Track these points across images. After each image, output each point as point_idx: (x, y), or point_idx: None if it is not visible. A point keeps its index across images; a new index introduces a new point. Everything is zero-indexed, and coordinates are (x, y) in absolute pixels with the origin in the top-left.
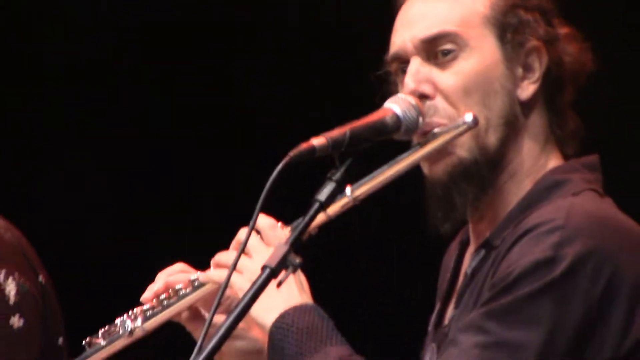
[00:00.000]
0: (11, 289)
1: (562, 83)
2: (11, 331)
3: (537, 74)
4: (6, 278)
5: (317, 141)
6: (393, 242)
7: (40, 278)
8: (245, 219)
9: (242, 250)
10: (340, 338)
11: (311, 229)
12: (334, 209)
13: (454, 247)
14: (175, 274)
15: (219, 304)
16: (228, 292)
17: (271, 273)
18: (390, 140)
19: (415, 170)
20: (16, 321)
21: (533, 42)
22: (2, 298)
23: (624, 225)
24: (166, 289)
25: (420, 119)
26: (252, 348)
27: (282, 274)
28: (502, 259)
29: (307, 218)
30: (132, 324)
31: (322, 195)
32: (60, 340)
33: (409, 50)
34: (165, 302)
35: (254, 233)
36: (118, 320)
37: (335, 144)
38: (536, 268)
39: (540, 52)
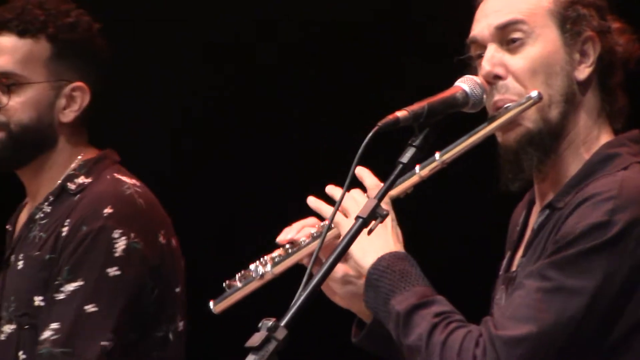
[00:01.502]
0: (120, 245)
1: (613, 67)
2: (104, 277)
3: (591, 59)
4: (120, 237)
5: (401, 113)
6: (472, 202)
7: (161, 239)
8: (342, 183)
9: (339, 206)
10: (426, 281)
11: (407, 188)
12: (425, 170)
13: (521, 206)
14: (307, 224)
15: (321, 246)
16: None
17: (363, 222)
18: (460, 113)
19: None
20: (113, 271)
21: (588, 32)
22: (110, 251)
23: None
24: (294, 237)
25: (485, 96)
26: (362, 293)
27: (372, 223)
28: (565, 220)
29: (392, 177)
30: (263, 268)
31: (404, 158)
32: (178, 289)
33: (486, 37)
34: (290, 250)
35: (347, 193)
36: (252, 266)
37: (415, 116)
38: (593, 229)
39: (594, 41)
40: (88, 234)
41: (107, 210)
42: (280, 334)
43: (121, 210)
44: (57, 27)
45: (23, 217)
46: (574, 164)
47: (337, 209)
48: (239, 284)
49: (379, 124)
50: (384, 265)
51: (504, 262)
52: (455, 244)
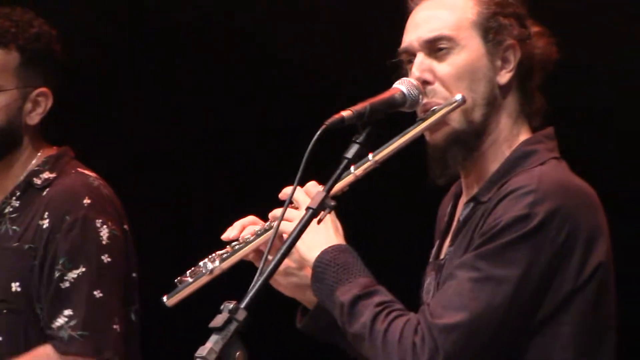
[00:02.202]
0: (104, 233)
1: (531, 71)
2: (102, 265)
3: (512, 64)
4: (102, 225)
5: (346, 113)
6: (402, 196)
7: (125, 226)
8: (291, 181)
9: (289, 202)
10: (368, 272)
11: (343, 187)
12: (360, 170)
13: (448, 198)
14: (247, 222)
15: (271, 245)
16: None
17: (313, 213)
18: (398, 113)
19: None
20: (106, 258)
21: (509, 41)
22: (98, 240)
23: (579, 188)
24: (238, 234)
25: (421, 96)
26: (303, 283)
27: (322, 214)
28: (489, 214)
29: (338, 171)
30: (212, 264)
31: (349, 153)
32: (134, 274)
33: (415, 47)
34: (236, 247)
35: (298, 188)
36: (201, 263)
37: (359, 115)
38: (515, 222)
39: (514, 48)
40: (74, 222)
41: (87, 201)
42: (241, 315)
43: (97, 201)
44: (25, 38)
45: None
46: (496, 160)
47: (286, 206)
48: (189, 279)
49: (326, 122)
50: (327, 258)
51: (434, 250)
52: (389, 235)
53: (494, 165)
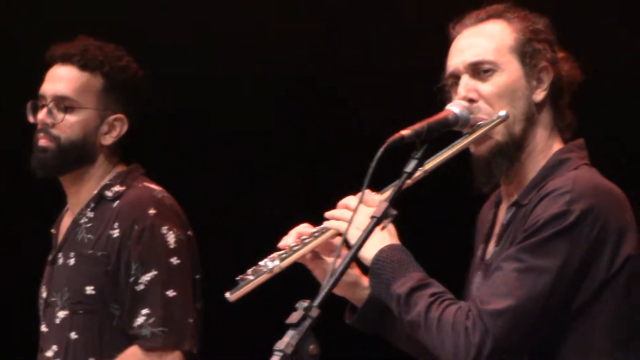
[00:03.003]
0: (171, 238)
1: (562, 90)
2: (172, 266)
3: (546, 84)
4: (168, 231)
5: (406, 132)
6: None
7: (188, 232)
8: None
9: (357, 209)
10: (420, 268)
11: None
12: (413, 178)
13: (488, 206)
14: (303, 229)
15: (339, 248)
16: (337, 240)
17: (378, 221)
18: (451, 131)
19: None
20: (174, 260)
21: (543, 63)
22: (166, 245)
23: (610, 189)
24: (295, 239)
25: (471, 116)
26: (353, 282)
27: (384, 222)
28: (530, 213)
29: (400, 183)
30: (272, 263)
31: (409, 168)
32: (198, 276)
33: (461, 70)
34: (294, 248)
35: (354, 197)
36: (262, 262)
37: (417, 134)
38: (554, 218)
39: (548, 70)
40: (142, 230)
41: (152, 211)
42: (314, 312)
43: (162, 211)
44: (111, 67)
45: (66, 221)
46: (534, 168)
47: (354, 215)
48: (251, 277)
49: (388, 141)
50: (384, 256)
51: (479, 252)
52: (434, 239)
53: (532, 173)
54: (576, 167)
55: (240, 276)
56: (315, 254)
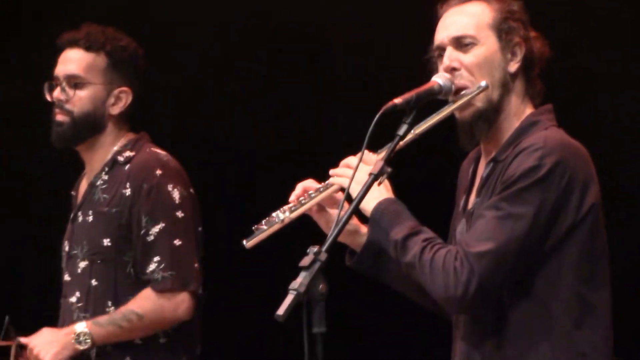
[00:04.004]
0: (175, 195)
1: (532, 63)
2: (177, 219)
3: (519, 57)
4: (173, 189)
5: (397, 100)
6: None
7: (191, 190)
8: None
9: (357, 167)
10: (413, 217)
11: (394, 152)
12: (405, 140)
13: (467, 163)
14: (308, 184)
15: (343, 201)
16: (339, 194)
17: (375, 177)
18: (435, 99)
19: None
20: (179, 214)
21: (517, 39)
22: (172, 200)
23: (575, 146)
24: (303, 193)
25: (453, 86)
26: (353, 230)
27: (381, 178)
28: (508, 167)
29: (392, 144)
30: (282, 215)
31: (400, 131)
32: (200, 228)
33: (446, 43)
34: (302, 201)
35: (354, 157)
36: (274, 213)
37: (407, 102)
38: (528, 171)
39: (521, 45)
40: (150, 188)
41: (158, 172)
42: (323, 256)
43: (166, 171)
44: (112, 46)
45: (84, 184)
46: (509, 129)
47: (355, 171)
48: (264, 227)
49: (383, 108)
50: (382, 207)
51: (461, 202)
52: (422, 192)
53: (507, 133)
54: (546, 128)
55: (255, 226)
56: (320, 207)
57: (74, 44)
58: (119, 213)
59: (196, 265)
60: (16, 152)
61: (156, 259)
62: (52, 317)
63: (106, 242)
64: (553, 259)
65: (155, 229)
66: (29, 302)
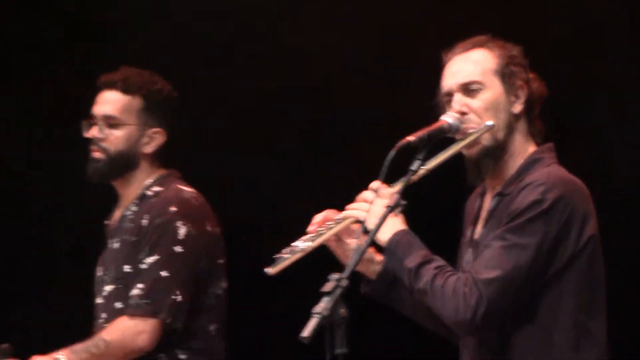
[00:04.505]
0: (182, 232)
1: (534, 103)
2: (173, 253)
3: (522, 99)
4: (182, 226)
5: (411, 138)
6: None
7: (207, 228)
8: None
9: (372, 203)
10: (425, 247)
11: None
12: (416, 176)
13: (473, 197)
14: (327, 215)
15: (361, 232)
16: (355, 226)
17: (390, 209)
18: (445, 138)
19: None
20: (178, 249)
21: (519, 82)
22: (175, 236)
23: (575, 182)
24: (322, 223)
25: (462, 125)
26: (368, 259)
27: (396, 210)
28: (513, 201)
29: (406, 178)
30: (304, 244)
31: (414, 166)
32: (221, 260)
33: (454, 89)
34: (321, 231)
35: (369, 191)
36: (295, 243)
37: (420, 139)
38: (532, 205)
39: (523, 88)
40: (160, 224)
41: (173, 209)
42: (344, 282)
43: (182, 209)
44: (148, 90)
45: (117, 215)
46: (513, 166)
47: (371, 206)
48: (286, 255)
49: (398, 144)
50: (397, 238)
51: (468, 233)
52: (430, 225)
53: (512, 169)
54: (548, 165)
55: (278, 255)
56: (338, 237)
57: (111, 86)
58: (137, 242)
59: (177, 298)
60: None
61: (139, 285)
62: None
63: (127, 268)
64: (554, 287)
65: (150, 260)
66: (29, 302)
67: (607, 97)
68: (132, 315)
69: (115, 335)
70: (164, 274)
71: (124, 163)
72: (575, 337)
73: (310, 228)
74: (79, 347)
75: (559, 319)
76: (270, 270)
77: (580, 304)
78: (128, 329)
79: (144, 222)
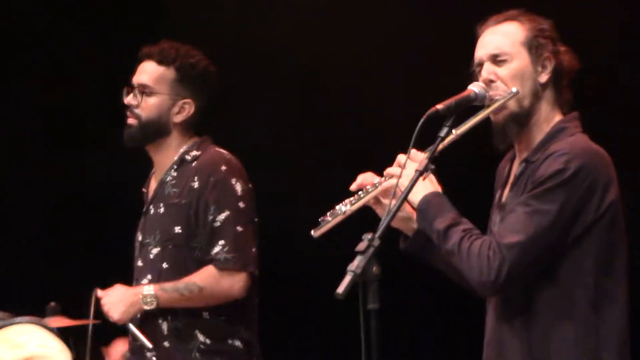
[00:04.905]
0: (238, 188)
1: (561, 74)
2: (240, 209)
3: (549, 69)
4: (236, 183)
5: (440, 106)
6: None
7: (250, 185)
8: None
9: (404, 165)
10: (455, 209)
11: (439, 150)
12: (448, 140)
13: (504, 162)
14: (368, 177)
15: (394, 194)
16: (392, 187)
17: (420, 173)
18: (472, 106)
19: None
20: (241, 204)
21: (546, 54)
22: (235, 192)
23: (597, 151)
24: (361, 187)
25: (487, 94)
26: (407, 217)
27: (425, 174)
28: (538, 169)
29: (435, 144)
30: (344, 207)
31: (442, 133)
32: (256, 219)
33: (484, 59)
34: (361, 195)
35: (405, 156)
36: (337, 207)
37: (448, 108)
38: (555, 173)
39: (550, 59)
40: (217, 182)
41: (223, 167)
42: (376, 242)
43: (230, 167)
44: (182, 62)
45: (153, 182)
46: (539, 133)
47: (402, 169)
48: (329, 218)
49: (427, 112)
50: (427, 200)
51: (497, 196)
52: (464, 187)
53: (538, 136)
54: (572, 134)
55: (322, 218)
56: (377, 199)
57: (149, 57)
58: (188, 204)
59: (254, 250)
60: None
61: (221, 242)
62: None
63: (177, 229)
64: (576, 250)
65: (222, 217)
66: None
67: None
68: (223, 268)
69: (209, 283)
70: (239, 229)
71: (155, 129)
72: (595, 298)
73: (352, 187)
74: (168, 285)
75: (580, 280)
76: (314, 233)
77: (600, 265)
78: (223, 279)
79: (194, 184)
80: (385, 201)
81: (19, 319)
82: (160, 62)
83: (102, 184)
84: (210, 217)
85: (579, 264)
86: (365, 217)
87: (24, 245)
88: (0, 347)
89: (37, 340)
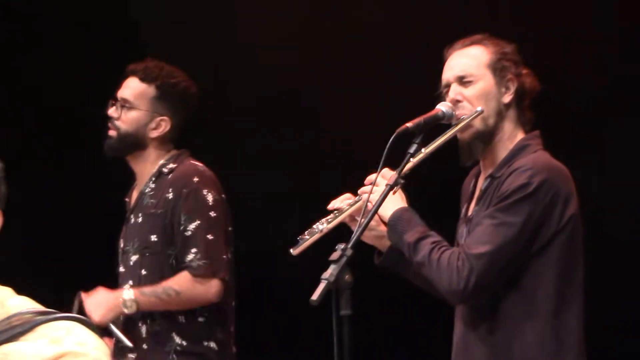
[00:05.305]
0: (210, 198)
1: (523, 95)
2: (211, 218)
3: (512, 90)
4: (207, 193)
5: (409, 124)
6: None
7: (222, 195)
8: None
9: (373, 184)
10: (424, 223)
11: (407, 170)
12: (416, 158)
13: (469, 177)
14: (344, 198)
15: (365, 208)
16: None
17: (390, 187)
18: (439, 125)
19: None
20: (212, 214)
21: (510, 76)
22: (206, 202)
23: (559, 167)
24: (336, 208)
25: (454, 113)
26: (380, 235)
27: (395, 188)
28: (502, 184)
29: (405, 161)
30: (322, 226)
31: (412, 150)
32: (230, 228)
33: (451, 80)
34: (337, 214)
35: (378, 174)
36: (314, 225)
37: (417, 125)
38: (520, 188)
39: (513, 80)
40: (189, 193)
41: (196, 179)
42: (349, 252)
43: (202, 179)
44: (163, 81)
45: (135, 192)
46: (504, 150)
47: (372, 186)
48: (307, 237)
49: (397, 131)
50: (397, 214)
51: (463, 210)
52: (430, 205)
53: (502, 153)
54: (535, 151)
55: (300, 236)
56: (352, 217)
57: (133, 73)
58: (164, 214)
59: (225, 257)
60: None
61: (193, 250)
62: None
63: (153, 238)
64: (539, 259)
65: (192, 226)
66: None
67: None
68: (196, 275)
69: (185, 287)
70: (210, 237)
71: (132, 142)
72: (555, 304)
73: (330, 206)
74: (147, 290)
75: (542, 287)
76: (293, 251)
77: (560, 273)
78: (197, 285)
79: (169, 195)
80: (359, 219)
81: (61, 314)
82: (142, 79)
83: (102, 184)
84: (182, 227)
85: (541, 273)
86: (341, 235)
87: (23, 245)
88: (40, 341)
89: (75, 338)
